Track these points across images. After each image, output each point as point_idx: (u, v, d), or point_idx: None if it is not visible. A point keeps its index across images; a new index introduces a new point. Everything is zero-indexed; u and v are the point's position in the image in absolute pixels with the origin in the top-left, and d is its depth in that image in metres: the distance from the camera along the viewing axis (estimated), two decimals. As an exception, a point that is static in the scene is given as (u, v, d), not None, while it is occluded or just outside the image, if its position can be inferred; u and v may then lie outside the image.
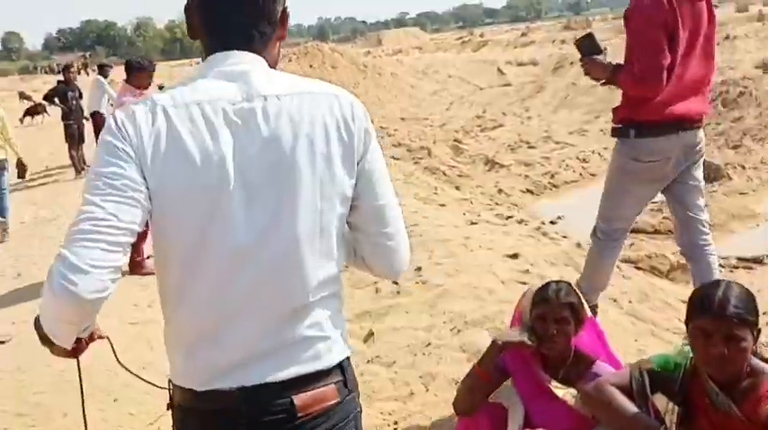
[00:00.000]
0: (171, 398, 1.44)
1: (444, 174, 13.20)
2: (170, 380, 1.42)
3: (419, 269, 4.44)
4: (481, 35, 59.11)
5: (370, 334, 3.86)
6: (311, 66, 29.87)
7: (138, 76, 6.04)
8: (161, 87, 19.33)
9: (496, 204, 9.49)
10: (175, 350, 1.38)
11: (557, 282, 2.40)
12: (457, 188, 11.46)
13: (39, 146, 15.87)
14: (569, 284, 2.38)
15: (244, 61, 1.33)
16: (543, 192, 13.36)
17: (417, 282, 4.27)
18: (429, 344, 3.60)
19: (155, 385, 1.71)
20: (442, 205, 6.47)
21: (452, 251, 4.51)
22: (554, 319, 2.27)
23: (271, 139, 1.27)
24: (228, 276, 1.29)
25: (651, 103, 3.02)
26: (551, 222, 7.53)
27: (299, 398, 1.33)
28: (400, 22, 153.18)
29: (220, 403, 1.32)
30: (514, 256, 4.66)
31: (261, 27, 1.36)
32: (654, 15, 2.96)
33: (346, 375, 1.41)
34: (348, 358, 1.44)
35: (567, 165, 13.67)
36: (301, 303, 1.33)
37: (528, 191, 13.14)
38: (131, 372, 1.74)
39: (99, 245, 1.17)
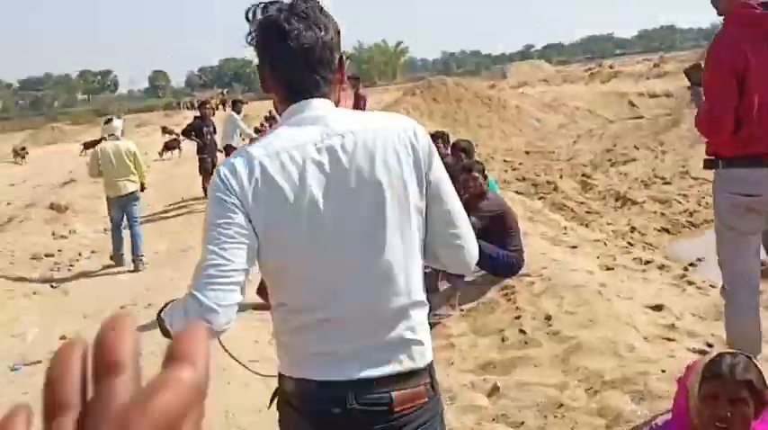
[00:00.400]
0: (276, 391, 1.63)
1: (572, 210, 12.63)
2: (280, 373, 1.60)
3: (549, 318, 4.10)
4: (611, 66, 57.15)
5: (495, 388, 3.57)
6: (435, 99, 29.94)
7: None
8: None
9: (630, 245, 8.85)
10: (290, 342, 1.56)
11: (732, 354, 2.03)
12: (586, 225, 10.90)
13: (175, 178, 16.79)
14: (748, 358, 2.01)
15: (318, 107, 1.52)
16: (681, 232, 12.46)
17: (548, 333, 3.93)
18: (561, 405, 3.25)
19: (260, 374, 1.97)
20: (573, 247, 6.05)
21: (586, 299, 4.13)
22: (728, 400, 1.91)
23: (352, 168, 1.47)
24: (336, 281, 1.49)
25: (734, 137, 3.02)
26: (690, 265, 6.91)
27: (397, 395, 1.50)
28: (525, 55, 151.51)
29: (333, 393, 1.49)
30: (657, 308, 4.22)
31: (325, 75, 1.55)
32: (721, 59, 3.00)
33: (433, 378, 1.59)
34: (432, 362, 1.61)
35: (707, 203, 12.71)
36: (399, 306, 1.51)
37: (664, 230, 12.31)
38: (241, 363, 1.91)
39: (223, 287, 1.39)
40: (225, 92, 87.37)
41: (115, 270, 8.33)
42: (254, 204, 1.44)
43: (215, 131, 12.06)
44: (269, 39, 1.53)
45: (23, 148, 31.89)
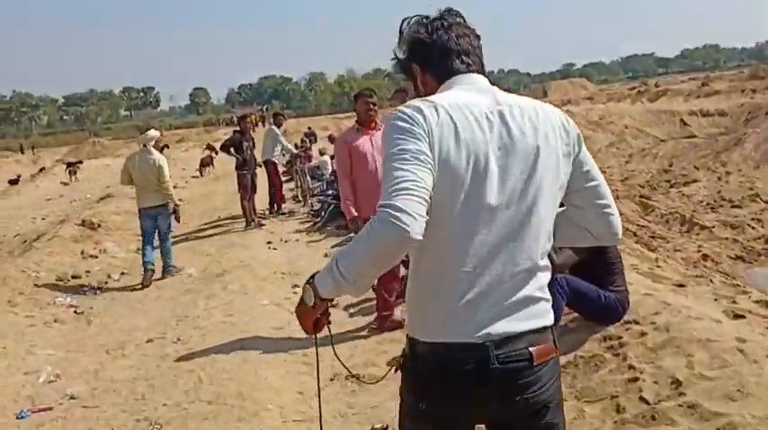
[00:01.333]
0: (404, 356, 1.71)
1: (634, 234, 11.58)
2: (412, 338, 1.68)
3: (677, 383, 3.20)
4: (656, 85, 55.73)
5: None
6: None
7: None
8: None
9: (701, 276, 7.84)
10: (427, 305, 1.65)
11: None
12: (651, 250, 9.92)
13: (212, 195, 16.17)
14: None
15: (483, 81, 1.77)
16: (757, 260, 11.39)
17: (680, 405, 3.03)
18: None
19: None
20: (680, 285, 5.12)
21: (725, 360, 3.22)
22: None
23: (519, 133, 1.65)
24: (484, 230, 1.60)
25: None
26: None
27: (535, 349, 1.62)
28: (566, 74, 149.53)
29: (474, 354, 1.57)
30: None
31: (482, 60, 1.84)
32: None
33: (555, 335, 1.72)
34: None
35: (784, 228, 11.68)
36: (534, 265, 1.65)
37: (738, 257, 11.25)
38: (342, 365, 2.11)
39: (417, 200, 1.47)
40: (264, 108, 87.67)
41: (142, 294, 7.63)
42: (438, 139, 1.55)
43: (254, 146, 11.38)
44: (434, 32, 1.77)
45: (74, 163, 30.68)
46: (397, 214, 1.41)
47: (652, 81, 70.48)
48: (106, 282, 8.42)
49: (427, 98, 1.65)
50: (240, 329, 5.71)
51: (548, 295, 1.69)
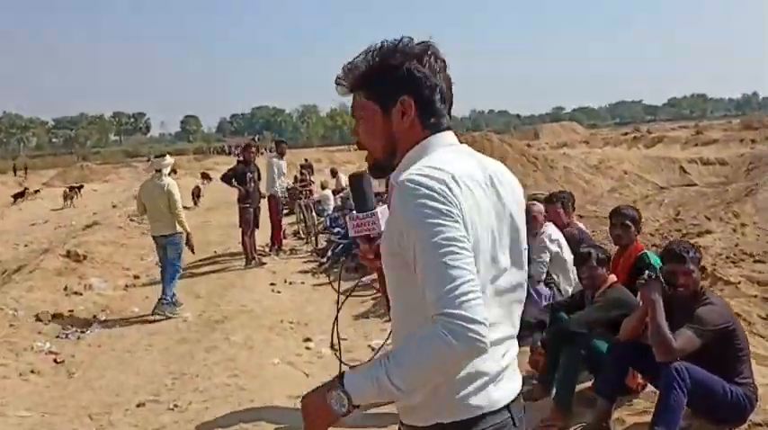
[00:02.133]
0: None
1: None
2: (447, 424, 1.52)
3: None
4: (648, 131, 55.93)
5: None
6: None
7: None
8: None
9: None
10: (468, 382, 1.50)
11: None
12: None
13: (206, 228, 15.31)
14: None
15: (456, 141, 1.66)
16: (788, 321, 10.67)
17: None
18: None
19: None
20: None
21: None
22: None
23: (505, 201, 1.58)
24: (504, 305, 1.56)
25: None
26: None
27: (520, 408, 1.62)
28: (555, 117, 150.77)
29: (508, 414, 1.56)
30: None
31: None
32: None
33: None
34: None
35: (813, 288, 10.97)
36: (517, 329, 1.63)
37: (769, 317, 10.55)
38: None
39: (481, 302, 1.35)
40: (256, 138, 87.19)
41: (132, 341, 6.76)
42: (467, 219, 1.44)
43: (259, 178, 10.59)
44: (431, 71, 1.61)
45: (75, 187, 29.74)
46: (473, 327, 1.32)
47: (644, 127, 71.06)
48: (90, 324, 7.55)
49: (436, 166, 1.47)
50: (249, 396, 4.88)
51: None
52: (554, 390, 3.98)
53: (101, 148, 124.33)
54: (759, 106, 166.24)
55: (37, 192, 35.21)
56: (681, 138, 43.58)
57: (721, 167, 32.27)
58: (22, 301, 7.89)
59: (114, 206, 23.42)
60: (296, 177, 16.36)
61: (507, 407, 1.54)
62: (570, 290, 5.30)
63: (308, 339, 6.42)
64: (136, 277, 10.24)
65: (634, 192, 26.73)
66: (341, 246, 9.98)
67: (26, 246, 16.44)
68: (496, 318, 1.50)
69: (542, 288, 5.32)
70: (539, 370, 4.30)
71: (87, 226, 16.83)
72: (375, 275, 1.89)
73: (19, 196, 29.55)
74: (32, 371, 5.89)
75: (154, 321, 7.40)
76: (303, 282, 9.13)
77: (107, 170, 52.79)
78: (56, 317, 7.59)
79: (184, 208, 8.16)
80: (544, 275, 5.38)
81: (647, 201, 24.41)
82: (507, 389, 1.55)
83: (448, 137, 1.61)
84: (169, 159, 8.02)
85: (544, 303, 5.01)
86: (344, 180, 17.30)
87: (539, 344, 4.25)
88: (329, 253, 10.12)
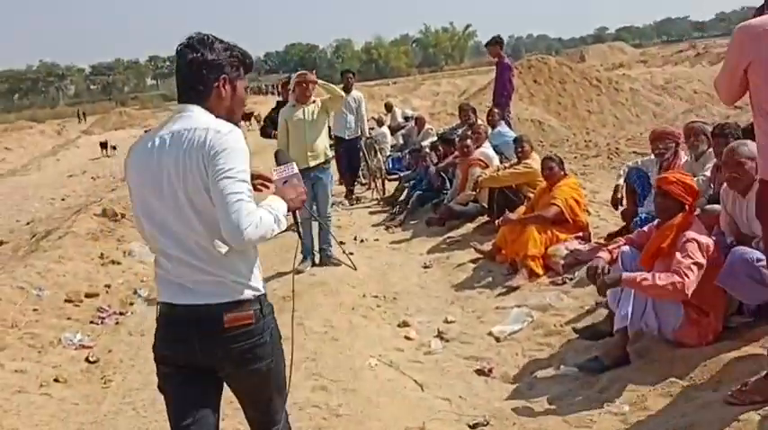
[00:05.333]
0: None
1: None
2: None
3: None
4: (704, 48, 52.35)
5: None
6: (536, 81, 26.11)
7: None
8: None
9: None
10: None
11: None
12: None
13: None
14: None
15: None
16: None
17: None
18: None
19: None
20: None
21: None
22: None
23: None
24: None
25: None
26: None
27: None
28: (598, 38, 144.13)
29: None
30: None
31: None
32: None
33: None
34: None
35: None
36: None
37: None
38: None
39: None
40: (290, 76, 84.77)
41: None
42: None
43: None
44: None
45: (105, 145, 27.02)
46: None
47: (700, 43, 66.85)
48: (131, 304, 6.25)
49: None
50: (346, 421, 3.46)
51: None
52: None
53: (138, 93, 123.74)
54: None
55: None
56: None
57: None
58: (49, 277, 6.60)
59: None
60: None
61: None
62: None
63: (404, 323, 4.97)
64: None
65: (712, 113, 24.36)
66: (416, 192, 8.44)
67: (63, 200, 15.33)
68: None
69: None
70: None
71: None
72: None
73: (104, 146, 26.96)
74: (57, 380, 4.58)
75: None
76: (377, 239, 7.67)
77: (146, 115, 51.66)
78: (89, 295, 6.30)
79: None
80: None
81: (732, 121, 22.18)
82: None
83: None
84: None
85: None
86: (400, 114, 15.58)
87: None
88: (403, 202, 8.59)
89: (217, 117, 2.17)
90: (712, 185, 4.62)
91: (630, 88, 26.56)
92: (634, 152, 16.65)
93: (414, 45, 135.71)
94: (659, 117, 24.44)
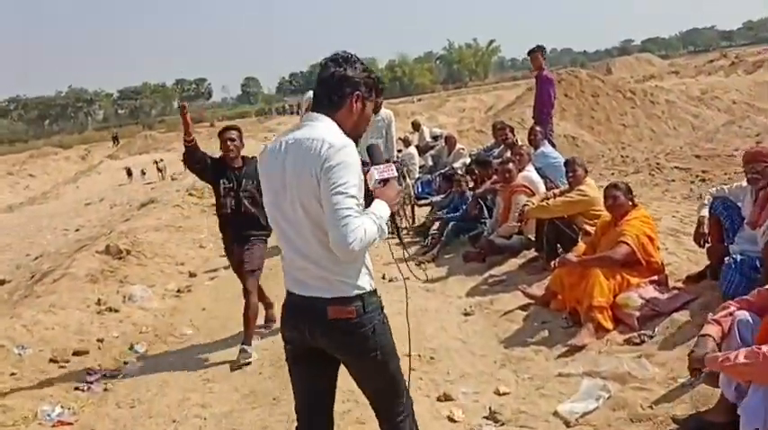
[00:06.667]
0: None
1: None
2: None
3: None
4: (737, 57, 50.86)
5: None
6: (566, 95, 25.03)
7: None
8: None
9: None
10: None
11: None
12: None
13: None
14: None
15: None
16: None
17: None
18: None
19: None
20: None
21: None
22: None
23: None
24: None
25: None
26: None
27: None
28: (624, 50, 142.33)
29: None
30: None
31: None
32: None
33: None
34: None
35: None
36: None
37: None
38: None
39: None
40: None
41: (181, 398, 4.54)
42: None
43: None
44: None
45: (130, 171, 25.31)
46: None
47: (731, 53, 65.18)
48: (126, 362, 5.40)
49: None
50: None
51: None
52: None
53: (165, 116, 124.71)
54: None
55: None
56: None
57: None
58: (35, 331, 5.80)
59: (173, 178, 21.57)
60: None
61: None
62: None
63: (445, 396, 4.03)
64: (192, 275, 8.10)
65: (755, 124, 23.10)
66: (451, 223, 7.51)
67: (77, 230, 14.66)
68: None
69: None
70: None
71: (143, 204, 14.92)
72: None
73: (129, 174, 25.64)
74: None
75: (209, 351, 5.20)
76: (408, 278, 6.73)
77: (171, 138, 51.37)
78: (78, 354, 5.47)
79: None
80: None
81: (780, 133, 20.89)
82: None
83: None
84: None
85: None
86: (428, 133, 14.69)
87: None
88: (436, 232, 7.65)
89: (343, 130, 2.32)
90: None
91: (666, 100, 25.40)
92: (676, 167, 15.56)
93: (437, 62, 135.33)
94: (698, 129, 23.25)
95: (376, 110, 8.50)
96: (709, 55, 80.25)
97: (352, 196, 2.15)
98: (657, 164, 16.56)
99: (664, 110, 24.35)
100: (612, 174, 14.16)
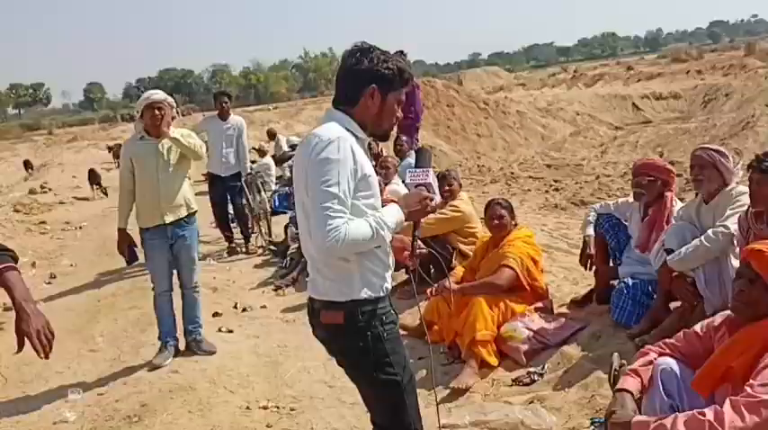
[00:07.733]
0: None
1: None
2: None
3: None
4: (575, 71, 54.28)
5: None
6: (424, 105, 25.02)
7: None
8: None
9: None
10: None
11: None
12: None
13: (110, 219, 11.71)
14: None
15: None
16: None
17: None
18: None
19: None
20: None
21: None
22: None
23: None
24: None
25: None
26: None
27: None
28: (473, 63, 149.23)
29: None
30: None
31: None
32: None
33: None
34: None
35: None
36: None
37: None
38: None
39: None
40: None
41: None
42: None
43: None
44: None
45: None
46: None
47: (570, 67, 69.73)
48: None
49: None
50: None
51: None
52: None
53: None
54: (665, 41, 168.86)
55: None
56: (621, 74, 41.80)
57: (675, 101, 30.39)
58: None
59: (-2, 191, 19.17)
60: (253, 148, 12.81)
61: None
62: None
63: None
64: (6, 309, 6.82)
65: (599, 134, 24.28)
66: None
67: None
68: None
69: None
70: None
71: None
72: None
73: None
74: None
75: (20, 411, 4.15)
76: (264, 306, 5.96)
77: (4, 146, 46.56)
78: None
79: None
80: None
81: (619, 143, 21.99)
82: None
83: None
84: None
85: None
86: (285, 143, 13.89)
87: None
88: (295, 253, 6.88)
89: (363, 126, 2.26)
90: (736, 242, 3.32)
91: (517, 111, 26.25)
92: (530, 177, 15.89)
93: (293, 70, 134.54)
94: (548, 139, 24.19)
95: (223, 116, 7.70)
96: (550, 69, 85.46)
97: (333, 193, 2.05)
98: (512, 173, 16.81)
99: (515, 120, 25.10)
100: (471, 183, 14.08)
